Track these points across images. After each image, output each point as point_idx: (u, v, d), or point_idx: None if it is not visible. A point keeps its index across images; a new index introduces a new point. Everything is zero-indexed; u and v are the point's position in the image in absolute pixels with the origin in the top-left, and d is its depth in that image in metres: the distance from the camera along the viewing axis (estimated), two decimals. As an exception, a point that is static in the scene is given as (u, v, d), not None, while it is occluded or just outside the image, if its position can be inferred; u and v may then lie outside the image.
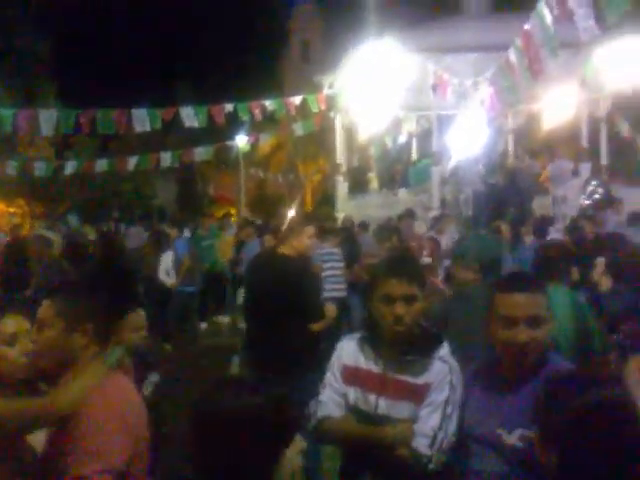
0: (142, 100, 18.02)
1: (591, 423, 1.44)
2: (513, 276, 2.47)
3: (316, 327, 4.44)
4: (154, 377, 3.43)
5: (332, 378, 2.53)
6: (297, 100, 13.17)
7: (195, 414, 1.59)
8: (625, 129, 14.10)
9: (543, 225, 8.55)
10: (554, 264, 3.77)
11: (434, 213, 11.85)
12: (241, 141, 19.67)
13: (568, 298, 3.54)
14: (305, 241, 4.58)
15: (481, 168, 12.99)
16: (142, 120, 11.53)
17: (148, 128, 11.69)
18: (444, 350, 2.43)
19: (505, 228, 7.83)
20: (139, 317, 3.50)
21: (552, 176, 12.10)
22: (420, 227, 10.40)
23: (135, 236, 13.81)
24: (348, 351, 2.54)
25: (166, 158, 15.31)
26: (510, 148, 14.97)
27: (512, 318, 2.12)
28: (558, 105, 12.29)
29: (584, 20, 4.23)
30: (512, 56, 6.25)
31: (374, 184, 16.41)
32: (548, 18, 5.00)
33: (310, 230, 4.66)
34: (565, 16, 4.56)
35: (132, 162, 15.33)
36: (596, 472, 1.41)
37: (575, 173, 12.63)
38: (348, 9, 24.51)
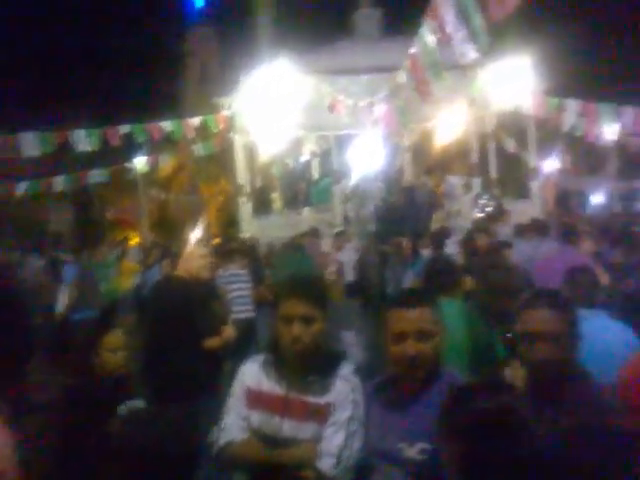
0: (34, 122, 17.15)
1: (484, 429, 1.50)
2: (402, 292, 2.55)
3: (211, 344, 4.34)
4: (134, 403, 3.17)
5: (235, 402, 2.49)
6: (196, 121, 13.07)
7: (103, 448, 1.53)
8: (511, 145, 14.99)
9: (440, 237, 8.89)
10: (443, 277, 3.91)
11: (338, 230, 12.05)
12: (139, 163, 19.16)
13: (460, 310, 3.67)
14: (197, 263, 4.50)
15: (380, 185, 13.37)
16: (31, 144, 10.96)
17: (38, 153, 11.13)
18: (346, 369, 2.46)
19: (406, 243, 8.08)
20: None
21: (446, 191, 12.65)
22: (325, 245, 10.57)
23: (30, 265, 13.05)
24: (251, 373, 2.52)
25: (59, 182, 14.66)
26: (407, 165, 15.51)
27: (401, 333, 2.18)
28: (449, 123, 12.92)
29: (461, 44, 4.49)
30: (401, 78, 6.51)
31: (278, 204, 16.46)
32: (431, 42, 5.26)
33: (201, 251, 4.59)
34: (445, 40, 4.81)
35: (22, 187, 14.57)
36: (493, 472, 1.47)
37: (467, 188, 13.26)
38: (244, 31, 24.60)
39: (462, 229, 10.91)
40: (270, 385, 2.46)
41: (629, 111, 10.61)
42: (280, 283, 3.00)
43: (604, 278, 4.64)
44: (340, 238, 10.81)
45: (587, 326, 3.59)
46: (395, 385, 2.30)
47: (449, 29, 4.60)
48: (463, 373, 3.35)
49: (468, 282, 5.08)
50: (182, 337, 4.17)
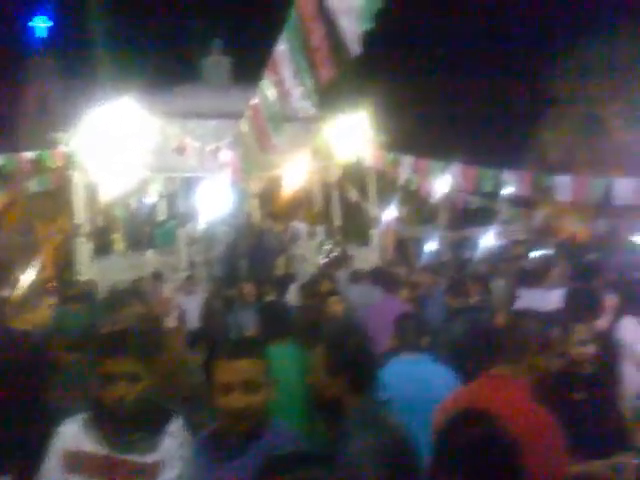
0: None
1: None
2: (229, 342, 2.53)
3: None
4: None
5: (49, 469, 2.29)
6: (31, 155, 12.28)
7: None
8: (353, 195, 15.72)
9: (284, 283, 9.02)
10: (276, 323, 3.95)
11: (182, 274, 11.79)
12: (-36, 198, 17.49)
13: (294, 356, 3.71)
14: (44, 313, 4.16)
15: (228, 229, 13.36)
16: None
17: None
18: (175, 425, 2.38)
19: (249, 289, 8.06)
20: None
21: (291, 237, 12.92)
22: (168, 290, 10.23)
23: None
24: (69, 435, 2.34)
25: None
26: (254, 211, 15.66)
27: (228, 384, 2.15)
28: (294, 172, 13.33)
29: (299, 100, 4.70)
30: (244, 127, 6.62)
31: (119, 245, 15.79)
32: (271, 95, 5.43)
33: (48, 300, 4.27)
34: (284, 94, 5.00)
35: None
36: None
37: (311, 235, 13.65)
38: (87, 66, 23.73)
39: (306, 274, 11.18)
40: (92, 446, 2.31)
41: (457, 168, 11.62)
42: (101, 337, 2.83)
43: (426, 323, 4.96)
44: (188, 282, 10.57)
45: (414, 371, 3.81)
46: (222, 438, 2.25)
47: (287, 84, 4.78)
48: (297, 421, 3.37)
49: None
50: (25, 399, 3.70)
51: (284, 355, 3.58)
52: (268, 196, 14.98)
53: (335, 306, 6.04)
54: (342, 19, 3.62)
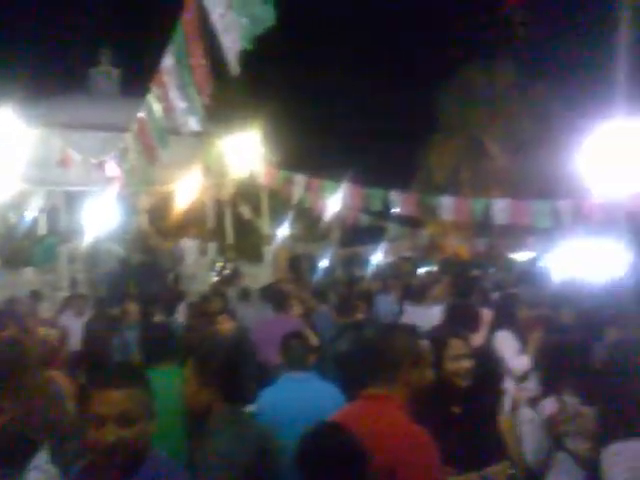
0: None
1: None
2: (105, 370, 2.36)
3: None
4: None
5: None
6: None
7: None
8: (246, 212, 15.66)
9: (172, 302, 8.75)
10: (160, 345, 3.82)
11: (63, 294, 11.16)
12: None
13: (175, 379, 3.59)
14: None
15: (116, 247, 12.85)
16: None
17: None
18: (41, 458, 2.22)
19: (133, 308, 7.76)
20: None
21: (180, 255, 12.63)
22: (47, 310, 9.63)
23: None
24: None
25: None
26: (144, 227, 15.18)
27: (100, 416, 1.99)
28: (187, 188, 13.07)
29: (184, 115, 4.64)
30: (130, 140, 6.43)
31: (-5, 262, 14.76)
32: (156, 109, 5.31)
33: None
34: (169, 109, 4.91)
35: None
36: None
37: (203, 252, 13.42)
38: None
39: (196, 293, 10.95)
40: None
41: (347, 187, 11.90)
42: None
43: (314, 340, 5.00)
44: (71, 302, 9.99)
45: (300, 389, 3.82)
46: (96, 473, 2.10)
47: (172, 99, 4.70)
48: (179, 450, 3.26)
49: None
50: None
51: (167, 379, 3.45)
52: (158, 212, 14.58)
53: (225, 324, 5.95)
54: (224, 38, 3.62)
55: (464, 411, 2.78)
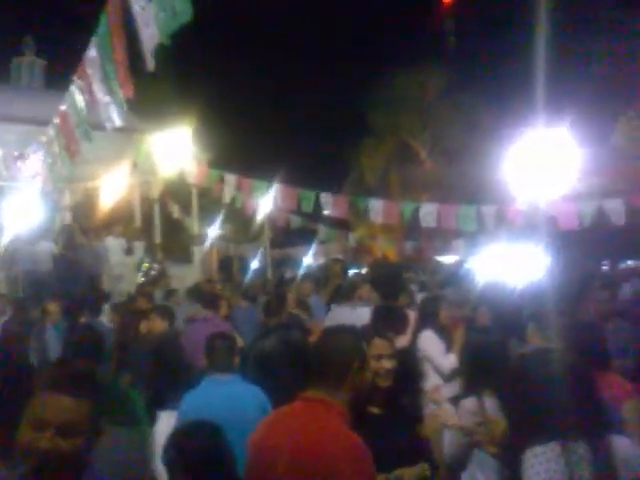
0: None
1: None
2: (60, 373, 2.23)
3: None
4: None
5: None
6: None
7: None
8: (175, 211, 15.36)
9: (96, 302, 8.47)
10: (87, 347, 3.71)
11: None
12: None
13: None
14: None
15: (37, 245, 12.29)
16: None
17: None
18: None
19: (54, 308, 7.50)
20: None
21: (105, 254, 12.23)
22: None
23: None
24: None
25: None
26: (68, 225, 14.60)
27: (41, 420, 1.85)
28: (114, 185, 12.67)
29: (107, 109, 4.49)
30: (52, 133, 6.18)
31: None
32: (80, 102, 5.13)
33: None
34: (93, 102, 4.75)
35: None
36: None
37: (129, 251, 13.06)
38: None
39: (122, 293, 10.65)
40: None
41: (279, 188, 11.87)
42: None
43: (239, 341, 4.95)
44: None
45: (224, 392, 3.77)
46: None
47: (96, 92, 4.55)
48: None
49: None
50: None
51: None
52: (83, 209, 14.08)
53: (155, 324, 5.84)
54: (142, 32, 3.52)
55: (383, 412, 2.78)
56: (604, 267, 15.95)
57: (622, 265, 16.55)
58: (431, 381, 4.95)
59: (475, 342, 3.77)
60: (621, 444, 2.29)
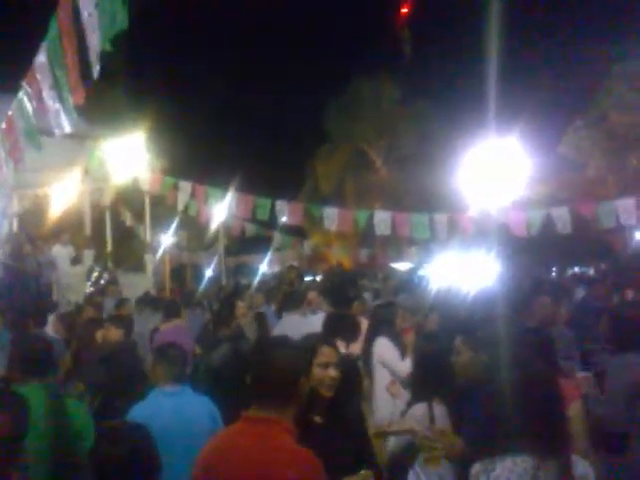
0: None
1: None
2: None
3: None
4: None
5: None
6: None
7: None
8: (128, 219, 15.09)
9: (44, 312, 8.23)
10: (36, 360, 3.59)
11: None
12: None
13: (42, 399, 3.37)
14: None
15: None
16: None
17: None
18: None
19: (-1, 318, 7.25)
20: None
21: (52, 262, 11.91)
22: None
23: None
24: None
25: None
26: (15, 233, 14.17)
27: None
28: (63, 192, 12.37)
29: (56, 116, 4.39)
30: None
31: None
32: (28, 107, 5.00)
33: None
34: (41, 108, 4.63)
35: None
36: None
37: (78, 260, 12.75)
38: None
39: (70, 303, 10.39)
40: None
41: (234, 195, 11.79)
42: None
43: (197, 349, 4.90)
44: None
45: (174, 403, 3.71)
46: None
47: (45, 98, 4.45)
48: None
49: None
50: None
51: (37, 398, 3.23)
52: (31, 217, 13.68)
53: (110, 333, 5.72)
54: (89, 38, 3.48)
55: (325, 420, 2.75)
56: (553, 274, 16.41)
57: (569, 272, 17.04)
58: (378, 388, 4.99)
59: (423, 349, 3.80)
60: (579, 463, 2.33)
